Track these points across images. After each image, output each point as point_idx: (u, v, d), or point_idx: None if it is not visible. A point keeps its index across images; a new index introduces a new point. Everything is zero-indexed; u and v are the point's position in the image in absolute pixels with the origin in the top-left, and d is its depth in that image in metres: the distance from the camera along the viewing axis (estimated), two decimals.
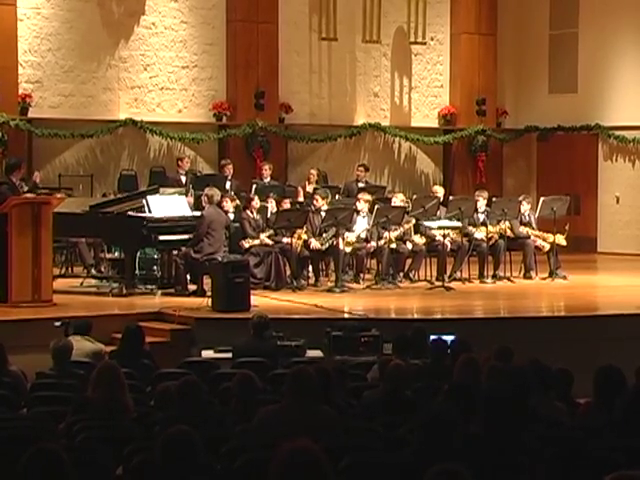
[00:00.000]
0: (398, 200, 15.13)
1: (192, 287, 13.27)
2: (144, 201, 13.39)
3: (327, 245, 14.14)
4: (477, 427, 5.63)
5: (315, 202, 14.44)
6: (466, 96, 20.54)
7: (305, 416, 6.07)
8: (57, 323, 10.10)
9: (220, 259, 12.72)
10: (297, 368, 6.57)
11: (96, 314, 11.38)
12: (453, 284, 14.42)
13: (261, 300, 12.62)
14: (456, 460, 4.61)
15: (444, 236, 14.62)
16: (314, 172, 16.96)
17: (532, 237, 15.25)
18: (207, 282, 12.89)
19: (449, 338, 8.72)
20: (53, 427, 6.50)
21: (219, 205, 13.85)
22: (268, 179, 16.64)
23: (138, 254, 13.80)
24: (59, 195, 14.17)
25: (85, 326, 9.51)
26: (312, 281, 14.38)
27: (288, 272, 13.97)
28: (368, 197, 14.82)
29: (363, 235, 14.40)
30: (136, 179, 17.62)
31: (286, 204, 14.87)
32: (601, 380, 6.48)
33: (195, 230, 13.23)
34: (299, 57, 19.40)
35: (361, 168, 17.55)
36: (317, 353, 10.25)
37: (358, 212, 14.51)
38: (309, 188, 16.35)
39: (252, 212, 14.16)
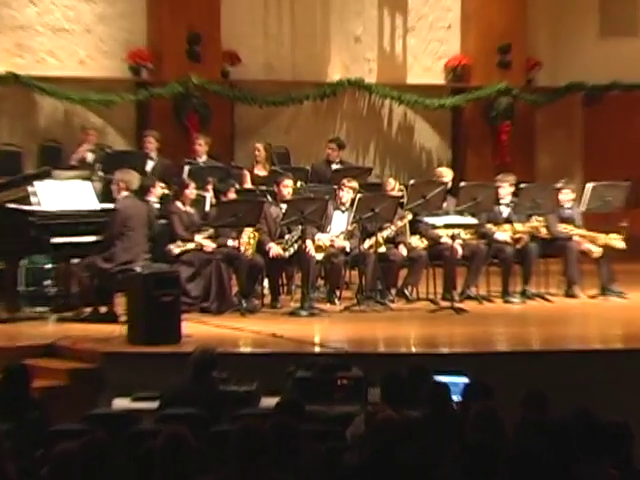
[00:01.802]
0: (389, 188, 15.16)
1: (101, 309, 13.27)
2: (31, 189, 13.38)
3: (291, 251, 14.16)
4: None
5: (281, 189, 14.43)
6: (483, 41, 20.64)
7: None
8: None
9: (139, 270, 12.72)
10: (244, 423, 6.58)
11: None
12: (465, 304, 14.50)
13: (197, 328, 12.64)
14: None
15: (453, 238, 14.67)
16: (260, 146, 16.76)
17: (576, 238, 15.33)
18: (121, 302, 12.88)
19: (459, 380, 8.74)
20: None
21: (141, 194, 13.86)
22: (204, 158, 16.64)
23: (23, 263, 13.78)
24: None
25: None
26: (268, 300, 14.42)
27: (235, 288, 13.99)
28: (354, 184, 14.83)
29: (341, 239, 14.39)
30: (20, 157, 17.60)
31: (231, 194, 14.87)
32: None
33: (105, 230, 13.23)
34: None
35: (332, 145, 17.50)
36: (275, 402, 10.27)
37: (339, 205, 14.54)
38: (258, 170, 16.33)
39: (184, 204, 14.17)
